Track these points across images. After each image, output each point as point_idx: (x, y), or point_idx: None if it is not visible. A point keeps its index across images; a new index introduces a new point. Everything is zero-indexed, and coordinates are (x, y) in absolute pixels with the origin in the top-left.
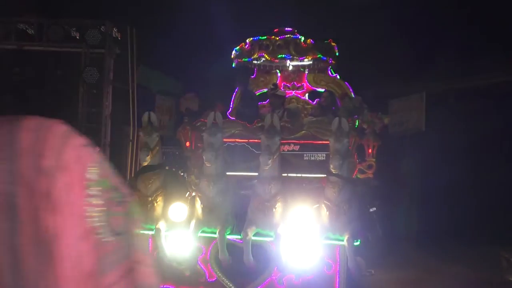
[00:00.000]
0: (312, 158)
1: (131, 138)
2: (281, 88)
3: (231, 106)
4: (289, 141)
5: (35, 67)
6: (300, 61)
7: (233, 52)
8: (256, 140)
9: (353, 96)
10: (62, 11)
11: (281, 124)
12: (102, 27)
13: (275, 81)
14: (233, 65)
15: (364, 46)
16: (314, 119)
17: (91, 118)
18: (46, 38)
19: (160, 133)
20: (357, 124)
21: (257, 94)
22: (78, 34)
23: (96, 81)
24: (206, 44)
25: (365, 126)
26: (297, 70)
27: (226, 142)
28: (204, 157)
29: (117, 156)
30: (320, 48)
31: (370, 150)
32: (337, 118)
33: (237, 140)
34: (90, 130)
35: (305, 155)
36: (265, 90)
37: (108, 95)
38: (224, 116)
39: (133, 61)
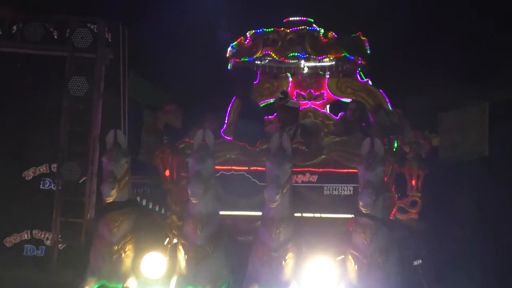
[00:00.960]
0: (335, 193)
1: None
2: (293, 97)
3: (226, 121)
4: (304, 169)
5: (6, 75)
6: (319, 62)
7: (229, 49)
8: (260, 168)
9: (390, 108)
10: (42, 5)
11: (293, 146)
12: (93, 26)
13: (285, 89)
14: (229, 67)
15: (404, 41)
16: (338, 139)
17: (76, 140)
18: (21, 38)
19: (145, 159)
20: (395, 146)
21: (261, 105)
22: (62, 34)
23: (85, 93)
24: (195, 38)
25: (406, 149)
26: (314, 74)
27: (219, 170)
28: (189, 191)
29: None
30: (345, 44)
31: (413, 182)
32: (368, 139)
33: (234, 167)
34: (75, 155)
35: (325, 188)
36: (271, 100)
37: (98, 112)
38: (217, 135)
39: (125, 68)
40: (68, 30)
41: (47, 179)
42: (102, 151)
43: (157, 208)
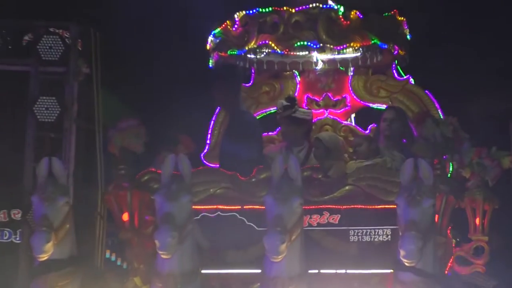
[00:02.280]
0: (366, 239)
1: (99, 210)
2: (304, 105)
3: (207, 142)
4: (321, 206)
5: None
6: (338, 53)
7: (210, 39)
8: (257, 206)
9: (441, 117)
10: None
11: (305, 174)
12: (65, 32)
13: (291, 93)
14: (210, 64)
15: (460, 23)
16: (368, 162)
17: None
18: None
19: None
20: (451, 170)
21: (257, 117)
22: (22, 44)
23: (56, 118)
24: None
25: (466, 173)
26: (332, 71)
27: (199, 211)
28: (157, 242)
29: (82, 236)
30: (375, 27)
31: (477, 220)
32: (411, 160)
33: (221, 206)
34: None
35: (351, 232)
36: (272, 110)
37: (71, 141)
38: (196, 161)
39: (98, 85)
40: (28, 38)
41: (6, 229)
42: (75, 190)
43: (125, 265)
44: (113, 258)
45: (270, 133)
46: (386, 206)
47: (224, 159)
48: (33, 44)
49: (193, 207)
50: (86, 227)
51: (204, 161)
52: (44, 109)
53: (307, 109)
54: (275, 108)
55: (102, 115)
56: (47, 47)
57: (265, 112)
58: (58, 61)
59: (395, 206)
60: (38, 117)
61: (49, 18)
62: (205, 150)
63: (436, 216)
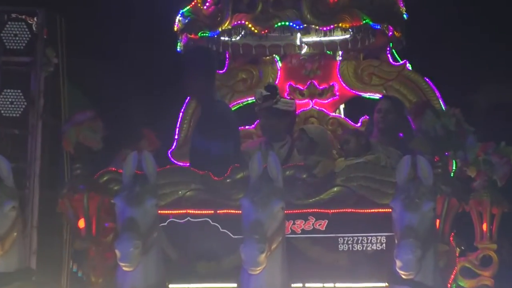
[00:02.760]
0: (357, 247)
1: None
2: (285, 95)
3: (176, 137)
4: (306, 210)
5: None
6: (325, 35)
7: (178, 19)
8: (233, 211)
9: (442, 107)
10: None
11: (287, 173)
12: (30, 19)
13: (271, 80)
14: (178, 48)
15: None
16: (359, 160)
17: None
18: None
19: None
20: (454, 168)
21: (232, 108)
22: None
23: (21, 114)
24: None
25: (471, 172)
26: (318, 55)
27: (166, 216)
28: (117, 252)
29: (48, 246)
30: (366, 5)
31: (485, 226)
32: (408, 157)
33: (191, 211)
34: None
35: (341, 240)
36: (250, 100)
37: (37, 139)
38: (162, 159)
39: (64, 76)
40: None
41: None
42: (42, 193)
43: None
44: (74, 269)
45: (247, 127)
46: (380, 210)
47: (195, 157)
48: None
49: (159, 212)
50: (52, 234)
51: (172, 159)
52: (8, 102)
53: (289, 99)
54: (253, 98)
55: (69, 110)
56: (12, 35)
57: (242, 102)
58: (23, 50)
59: (390, 210)
60: (2, 111)
61: (10, 2)
62: (173, 147)
63: (437, 221)
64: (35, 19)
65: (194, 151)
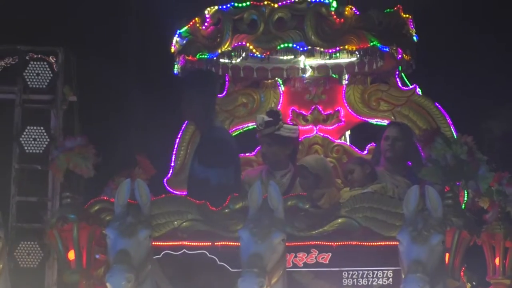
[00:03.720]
0: (362, 282)
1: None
2: (288, 120)
3: (172, 164)
4: (309, 242)
5: None
6: (330, 58)
7: (175, 40)
8: (231, 243)
9: (454, 135)
10: None
11: (289, 203)
12: (52, 57)
13: (273, 105)
14: (175, 70)
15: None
16: (366, 190)
17: (28, 212)
18: None
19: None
20: (465, 199)
21: (232, 134)
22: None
23: (44, 150)
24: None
25: (484, 203)
26: (323, 79)
27: (161, 248)
28: (109, 286)
29: None
30: (374, 27)
31: (498, 260)
32: (415, 187)
33: (187, 243)
34: (30, 233)
35: (345, 274)
36: (250, 125)
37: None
38: (157, 188)
39: (77, 112)
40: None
41: None
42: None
43: None
44: None
45: (247, 154)
46: (387, 243)
47: (193, 186)
48: (18, 70)
49: (153, 243)
50: None
51: (168, 188)
52: (31, 139)
53: (292, 125)
54: (254, 123)
55: None
56: (34, 74)
57: (242, 128)
58: (45, 88)
59: (397, 243)
60: (26, 148)
61: (29, 39)
62: (169, 175)
63: (447, 255)
64: (52, 58)
65: (193, 180)
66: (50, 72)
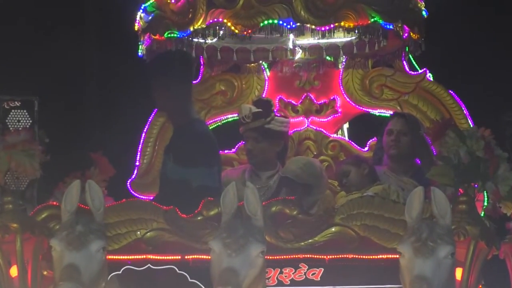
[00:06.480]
0: None
1: None
2: (275, 111)
3: (137, 163)
4: (296, 255)
5: None
6: (323, 36)
7: (139, 15)
8: (203, 256)
9: (471, 125)
10: None
11: (273, 209)
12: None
13: (256, 93)
14: (140, 52)
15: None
16: (364, 195)
17: None
18: None
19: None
20: (485, 204)
21: (209, 127)
22: None
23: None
24: None
25: (506, 209)
26: (315, 62)
27: (121, 262)
28: None
29: None
30: (376, 0)
31: None
32: (419, 190)
33: (151, 256)
34: None
35: None
36: (230, 117)
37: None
38: (120, 191)
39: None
40: None
41: None
42: None
43: None
44: None
45: (226, 152)
46: (390, 256)
47: (167, 189)
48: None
49: (111, 257)
50: None
51: (132, 191)
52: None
53: (281, 117)
54: (235, 115)
55: None
56: (15, 121)
57: (220, 120)
58: None
59: (398, 256)
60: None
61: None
62: (133, 176)
63: (461, 270)
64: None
65: (166, 182)
66: (30, 119)
